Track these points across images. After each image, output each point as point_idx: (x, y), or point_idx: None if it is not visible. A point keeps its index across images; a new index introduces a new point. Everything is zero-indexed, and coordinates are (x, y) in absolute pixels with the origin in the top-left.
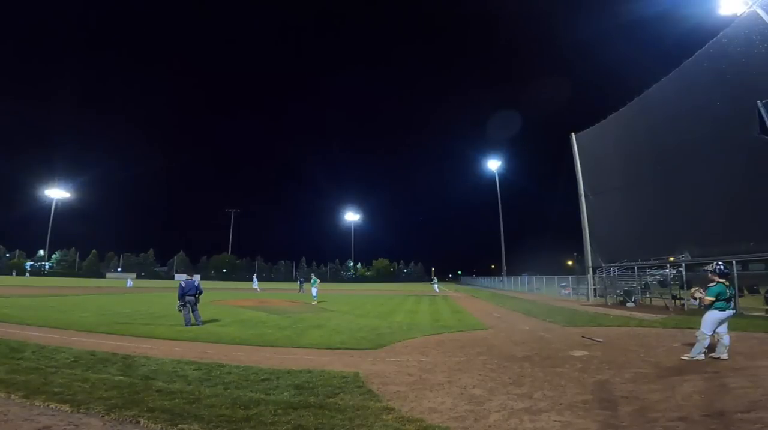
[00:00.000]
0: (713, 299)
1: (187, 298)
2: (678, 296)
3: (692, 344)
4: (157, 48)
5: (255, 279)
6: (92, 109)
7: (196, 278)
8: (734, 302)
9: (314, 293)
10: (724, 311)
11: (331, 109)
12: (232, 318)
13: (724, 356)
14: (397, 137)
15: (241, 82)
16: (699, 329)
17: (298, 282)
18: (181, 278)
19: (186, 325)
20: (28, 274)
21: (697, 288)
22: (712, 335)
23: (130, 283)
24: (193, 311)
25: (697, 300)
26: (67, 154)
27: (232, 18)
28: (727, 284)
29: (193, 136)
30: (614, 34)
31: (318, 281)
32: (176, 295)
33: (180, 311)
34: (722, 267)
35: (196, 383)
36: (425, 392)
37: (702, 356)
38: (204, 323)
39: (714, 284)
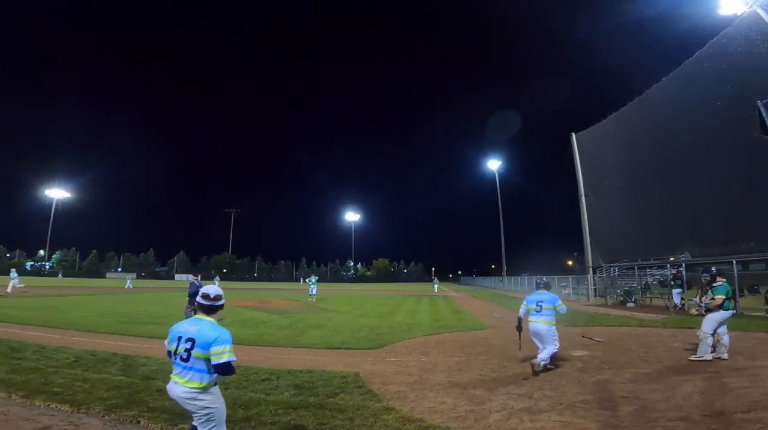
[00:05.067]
0: (725, 296)
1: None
2: None
3: (693, 344)
4: (158, 48)
5: (13, 272)
6: (93, 109)
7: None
8: (734, 302)
9: (313, 292)
10: (728, 310)
11: (331, 109)
12: (232, 318)
13: (724, 355)
14: (398, 137)
15: (241, 82)
16: (699, 329)
17: (302, 280)
18: (189, 278)
19: None
20: (60, 274)
21: (712, 297)
22: (713, 335)
23: (129, 284)
24: (195, 312)
25: (702, 307)
26: (67, 154)
27: (233, 17)
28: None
29: (193, 136)
30: (614, 34)
31: (316, 279)
32: (183, 295)
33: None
34: (714, 268)
35: None
36: (425, 392)
37: (710, 357)
38: None
39: (719, 283)
